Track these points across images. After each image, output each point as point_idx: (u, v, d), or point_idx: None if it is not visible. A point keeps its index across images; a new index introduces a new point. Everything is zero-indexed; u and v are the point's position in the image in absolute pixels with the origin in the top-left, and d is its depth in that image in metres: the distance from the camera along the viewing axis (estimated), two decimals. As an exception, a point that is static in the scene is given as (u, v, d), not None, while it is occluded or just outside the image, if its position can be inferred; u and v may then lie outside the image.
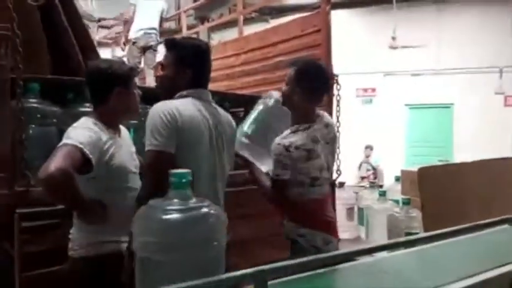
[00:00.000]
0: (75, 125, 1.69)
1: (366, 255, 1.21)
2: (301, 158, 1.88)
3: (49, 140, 2.04)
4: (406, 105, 9.95)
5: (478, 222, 1.33)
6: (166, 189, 1.37)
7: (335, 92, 3.40)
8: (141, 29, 5.48)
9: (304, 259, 0.87)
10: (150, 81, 5.04)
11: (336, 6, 4.28)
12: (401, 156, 9.28)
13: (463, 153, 8.13)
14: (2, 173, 1.96)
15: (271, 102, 2.22)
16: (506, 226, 1.58)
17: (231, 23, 6.70)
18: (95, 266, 1.63)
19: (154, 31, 5.56)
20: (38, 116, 2.26)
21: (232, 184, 1.99)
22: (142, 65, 5.64)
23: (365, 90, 9.99)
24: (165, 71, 1.84)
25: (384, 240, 2.49)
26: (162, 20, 5.78)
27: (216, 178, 1.77)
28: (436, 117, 9.87)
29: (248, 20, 7.61)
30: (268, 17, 9.99)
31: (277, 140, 1.92)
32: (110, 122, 1.75)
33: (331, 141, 2.05)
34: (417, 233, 2.16)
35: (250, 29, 5.66)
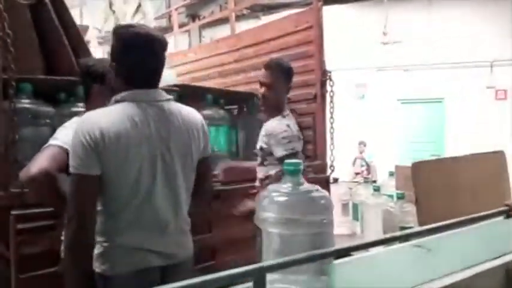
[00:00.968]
0: (65, 124, 1.70)
1: (362, 250, 1.21)
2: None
3: (42, 141, 2.03)
4: (399, 100, 9.99)
5: (473, 215, 1.34)
6: (93, 216, 1.35)
7: (328, 88, 3.41)
8: None
9: (301, 255, 0.87)
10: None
11: (327, 1, 4.28)
12: (393, 151, 9.31)
13: (455, 147, 8.21)
14: (-5, 175, 1.95)
15: None
16: (500, 218, 1.60)
17: (222, 20, 6.69)
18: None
19: None
20: (31, 116, 2.26)
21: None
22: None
23: (357, 85, 10.02)
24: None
25: (379, 234, 2.50)
26: None
27: (170, 184, 1.47)
28: (428, 112, 9.93)
29: (239, 17, 7.59)
30: (260, 13, 9.99)
31: (273, 124, 2.24)
32: None
33: None
34: (412, 227, 2.18)
35: (241, 26, 5.66)
